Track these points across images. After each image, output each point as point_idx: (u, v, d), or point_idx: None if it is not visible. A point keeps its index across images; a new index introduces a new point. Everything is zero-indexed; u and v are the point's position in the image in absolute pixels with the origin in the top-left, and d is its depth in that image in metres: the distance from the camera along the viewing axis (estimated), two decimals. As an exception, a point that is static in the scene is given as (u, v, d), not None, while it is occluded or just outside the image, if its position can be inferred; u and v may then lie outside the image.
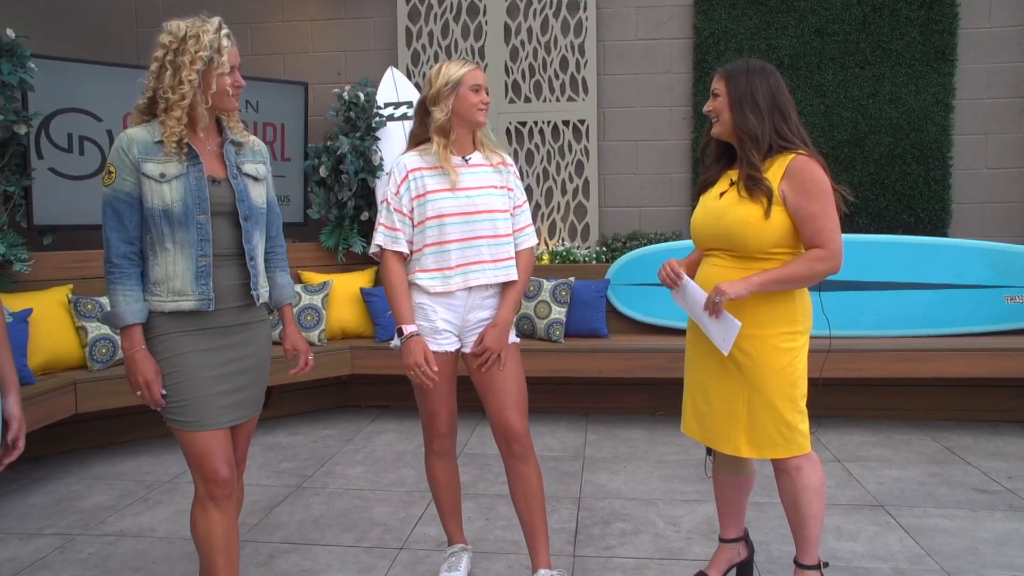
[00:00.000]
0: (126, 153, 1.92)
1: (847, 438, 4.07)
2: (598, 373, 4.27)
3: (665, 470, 3.64)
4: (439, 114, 2.28)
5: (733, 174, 2.19)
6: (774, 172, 2.08)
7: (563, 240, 5.13)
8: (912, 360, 4.05)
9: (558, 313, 4.39)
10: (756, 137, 2.08)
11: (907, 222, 4.75)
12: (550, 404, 4.66)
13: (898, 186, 4.75)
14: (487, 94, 2.32)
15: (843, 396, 4.40)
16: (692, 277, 2.23)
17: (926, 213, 4.75)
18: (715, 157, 2.29)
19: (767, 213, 2.05)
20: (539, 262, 4.80)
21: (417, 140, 2.37)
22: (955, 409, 4.40)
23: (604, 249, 4.89)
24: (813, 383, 2.23)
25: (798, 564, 2.24)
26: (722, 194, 2.18)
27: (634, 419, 4.54)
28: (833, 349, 3.95)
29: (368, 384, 4.79)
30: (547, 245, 5.10)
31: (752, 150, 2.09)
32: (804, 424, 2.14)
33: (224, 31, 1.96)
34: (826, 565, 2.30)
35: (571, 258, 4.84)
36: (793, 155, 2.08)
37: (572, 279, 4.53)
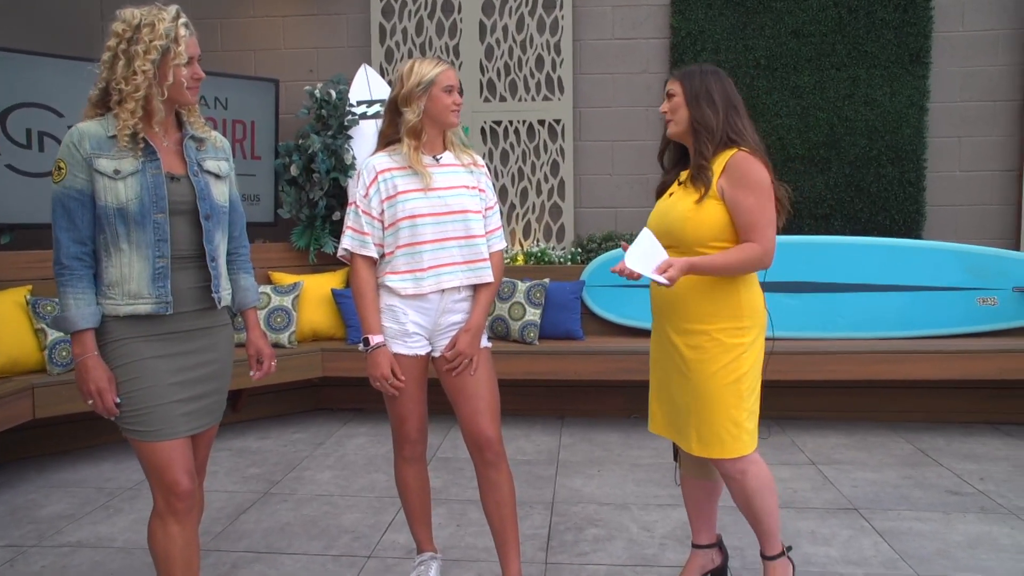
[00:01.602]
0: (77, 148, 1.83)
1: (822, 440, 4.06)
2: (573, 375, 4.22)
3: (639, 474, 3.60)
4: (410, 115, 2.21)
5: (684, 174, 2.22)
6: (716, 166, 2.12)
7: (538, 241, 5.07)
8: (886, 362, 4.05)
9: (532, 315, 4.34)
10: (711, 128, 2.12)
11: (882, 224, 4.76)
12: (524, 407, 4.60)
13: (873, 188, 4.75)
14: (460, 94, 2.25)
15: (818, 398, 4.38)
16: None
17: (901, 215, 4.76)
18: (672, 163, 2.33)
19: (699, 201, 2.08)
20: (513, 263, 4.75)
21: (387, 140, 2.31)
22: (928, 411, 4.41)
23: (579, 250, 4.84)
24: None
25: (764, 556, 2.26)
26: (671, 194, 2.23)
27: (610, 422, 4.50)
28: (814, 351, 3.95)
29: (340, 387, 4.71)
30: (522, 246, 5.05)
31: (706, 141, 2.12)
32: (751, 422, 2.14)
33: (182, 20, 1.86)
34: (789, 548, 2.32)
35: (546, 259, 4.78)
36: (735, 150, 2.10)
37: (547, 280, 4.47)
